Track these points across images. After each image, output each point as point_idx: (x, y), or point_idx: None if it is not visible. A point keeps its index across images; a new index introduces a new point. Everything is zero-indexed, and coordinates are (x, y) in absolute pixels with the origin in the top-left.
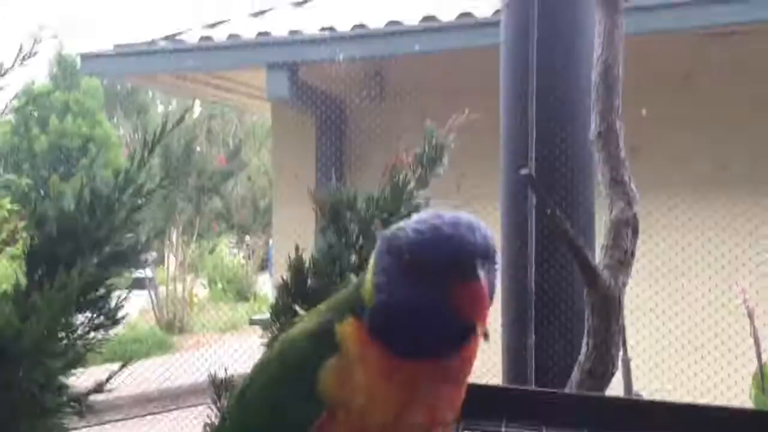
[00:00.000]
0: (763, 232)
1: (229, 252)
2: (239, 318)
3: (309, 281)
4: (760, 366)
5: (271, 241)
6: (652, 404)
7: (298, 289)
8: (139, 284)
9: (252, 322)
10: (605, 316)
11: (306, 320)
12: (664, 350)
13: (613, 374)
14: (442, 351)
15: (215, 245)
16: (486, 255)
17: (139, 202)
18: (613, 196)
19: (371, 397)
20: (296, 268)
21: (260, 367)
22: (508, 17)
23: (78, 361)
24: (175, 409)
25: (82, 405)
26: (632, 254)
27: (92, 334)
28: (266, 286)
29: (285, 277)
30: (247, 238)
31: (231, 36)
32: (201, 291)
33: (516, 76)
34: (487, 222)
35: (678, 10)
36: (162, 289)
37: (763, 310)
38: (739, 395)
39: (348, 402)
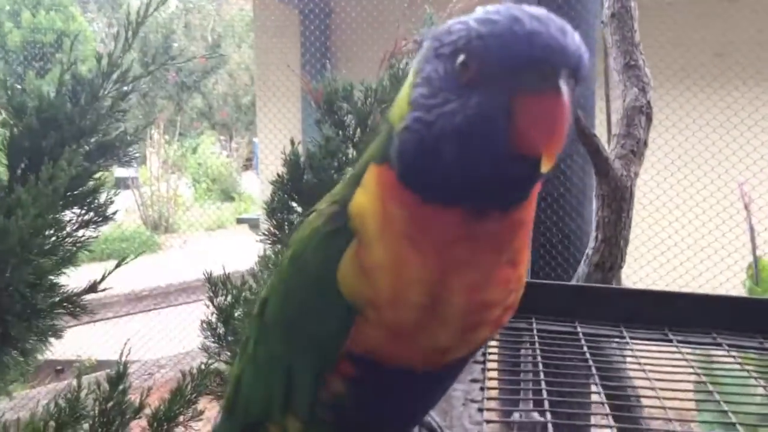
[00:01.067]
0: (762, 125)
1: (212, 151)
2: (226, 217)
3: (305, 176)
4: (755, 258)
5: (255, 140)
6: (679, 296)
7: (294, 185)
8: (122, 184)
9: (240, 221)
10: (616, 207)
11: (315, 214)
12: (663, 243)
13: (621, 267)
14: (487, 195)
15: (198, 144)
16: (577, 68)
17: (125, 89)
18: (626, 81)
19: (398, 272)
20: (292, 162)
21: (275, 280)
22: None
23: (69, 260)
24: (165, 307)
25: (75, 305)
26: (645, 143)
27: (81, 231)
28: (251, 186)
29: (281, 173)
30: (223, 138)
31: None
32: (185, 191)
33: None
34: None
35: None
36: (146, 189)
37: (759, 206)
38: (737, 287)
39: (374, 291)
